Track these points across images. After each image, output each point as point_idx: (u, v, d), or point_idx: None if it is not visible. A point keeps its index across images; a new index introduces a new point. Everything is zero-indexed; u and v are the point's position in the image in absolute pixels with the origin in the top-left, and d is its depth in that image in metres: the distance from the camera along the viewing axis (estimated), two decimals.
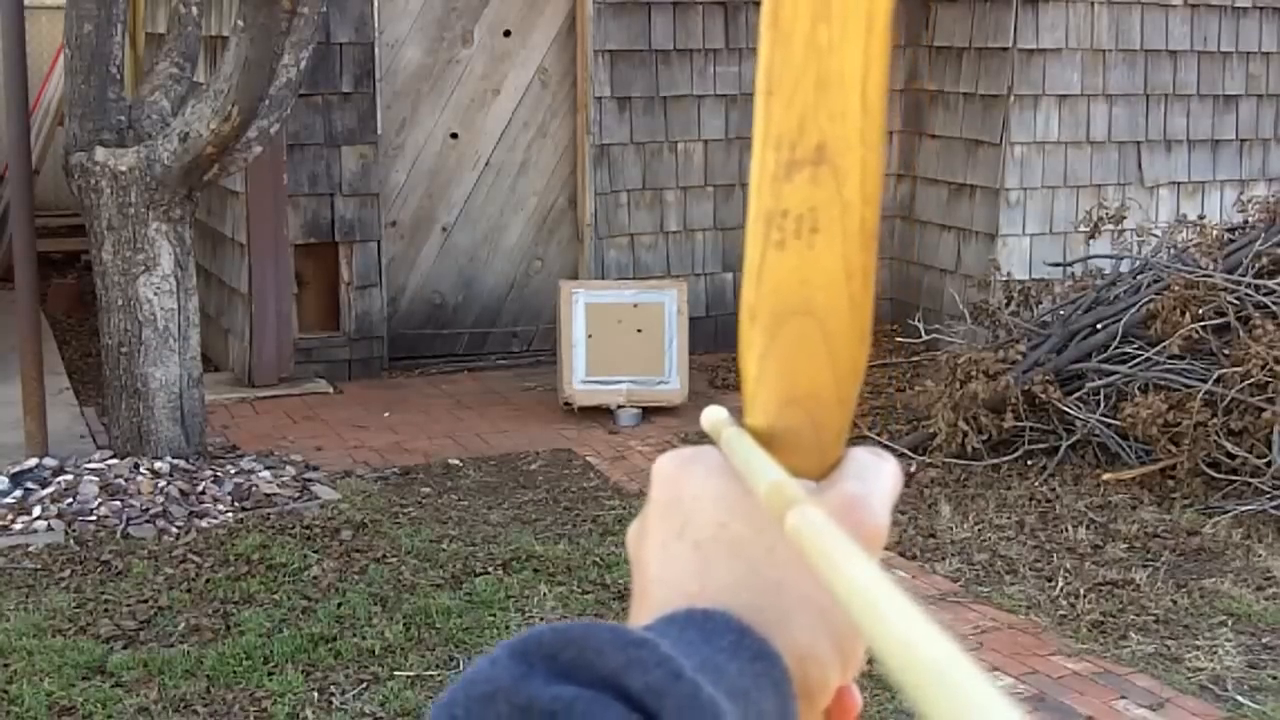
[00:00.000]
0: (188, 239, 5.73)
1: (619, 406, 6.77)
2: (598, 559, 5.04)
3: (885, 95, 0.62)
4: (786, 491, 0.60)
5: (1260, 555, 5.15)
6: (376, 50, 7.46)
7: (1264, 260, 6.02)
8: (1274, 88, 8.40)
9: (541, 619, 4.54)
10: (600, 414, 6.79)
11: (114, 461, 5.64)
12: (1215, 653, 4.40)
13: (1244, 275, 5.94)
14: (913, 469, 6.01)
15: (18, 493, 5.43)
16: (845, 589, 0.53)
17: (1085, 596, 4.81)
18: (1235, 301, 5.85)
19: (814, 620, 0.63)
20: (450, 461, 6.22)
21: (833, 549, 0.55)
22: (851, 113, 0.62)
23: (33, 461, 5.67)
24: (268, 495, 5.55)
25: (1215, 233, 6.29)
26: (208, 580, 4.81)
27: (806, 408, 0.65)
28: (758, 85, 0.63)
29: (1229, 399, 5.62)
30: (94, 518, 5.24)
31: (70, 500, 5.34)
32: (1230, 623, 4.61)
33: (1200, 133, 8.23)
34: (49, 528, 5.19)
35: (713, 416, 0.69)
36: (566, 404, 6.84)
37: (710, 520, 0.65)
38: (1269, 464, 5.49)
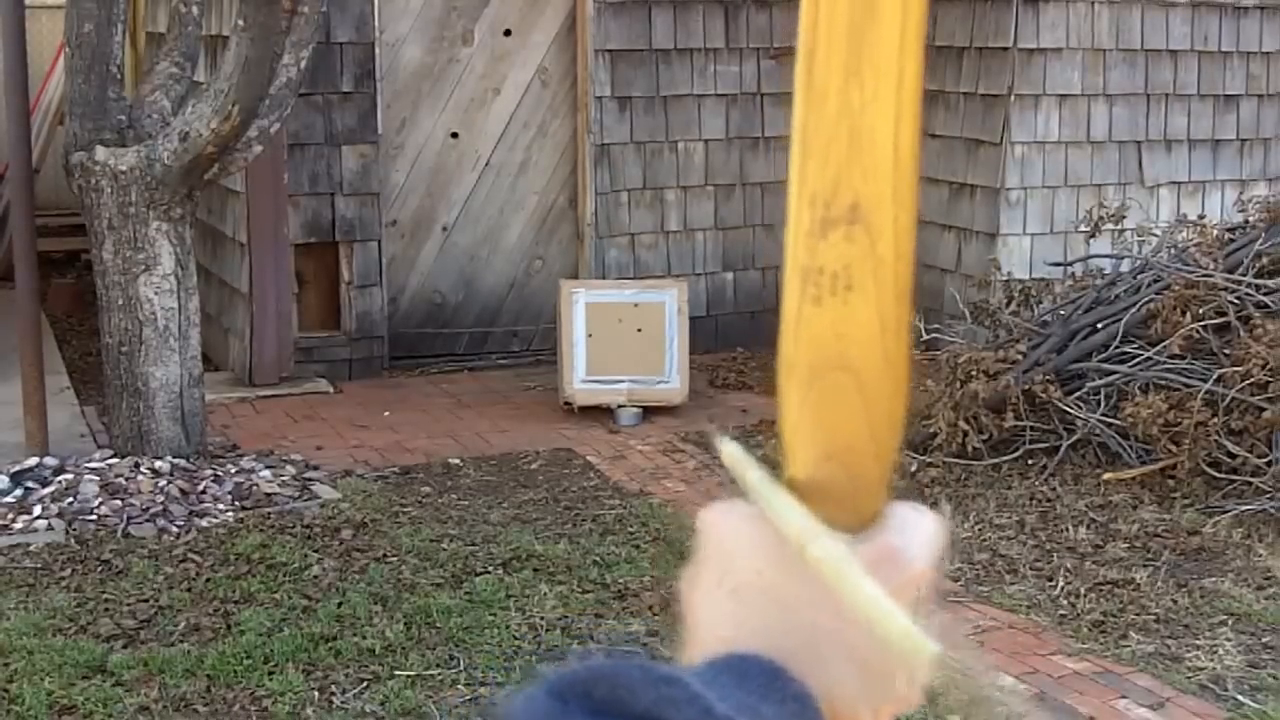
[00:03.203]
0: (188, 238, 5.73)
1: (619, 406, 6.77)
2: (598, 558, 5.04)
3: (917, 151, 0.63)
4: (810, 528, 0.63)
5: (1261, 555, 5.15)
6: (377, 50, 7.46)
7: (1264, 260, 6.02)
8: (1274, 87, 8.39)
9: (542, 619, 4.54)
10: (600, 413, 6.79)
11: (114, 461, 5.64)
12: (1216, 652, 4.40)
13: (1244, 275, 5.94)
14: (913, 468, 6.01)
15: (18, 492, 5.43)
16: (859, 605, 0.57)
17: (1086, 596, 4.81)
18: (1236, 301, 5.85)
19: (847, 662, 0.65)
20: (450, 461, 6.22)
21: (850, 574, 0.59)
22: (884, 170, 0.63)
23: (33, 460, 5.67)
24: (268, 494, 5.55)
25: (1215, 232, 6.29)
26: (208, 579, 4.81)
27: (843, 461, 0.66)
28: (793, 144, 0.64)
29: (1229, 398, 5.62)
30: (94, 517, 5.24)
31: (70, 499, 5.34)
32: (1231, 622, 4.61)
33: (1201, 132, 8.22)
34: (49, 527, 5.19)
35: (733, 454, 0.71)
36: (567, 403, 6.84)
37: (747, 567, 0.67)
38: (1270, 463, 5.48)
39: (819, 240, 0.64)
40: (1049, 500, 5.71)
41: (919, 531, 0.68)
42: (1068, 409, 5.99)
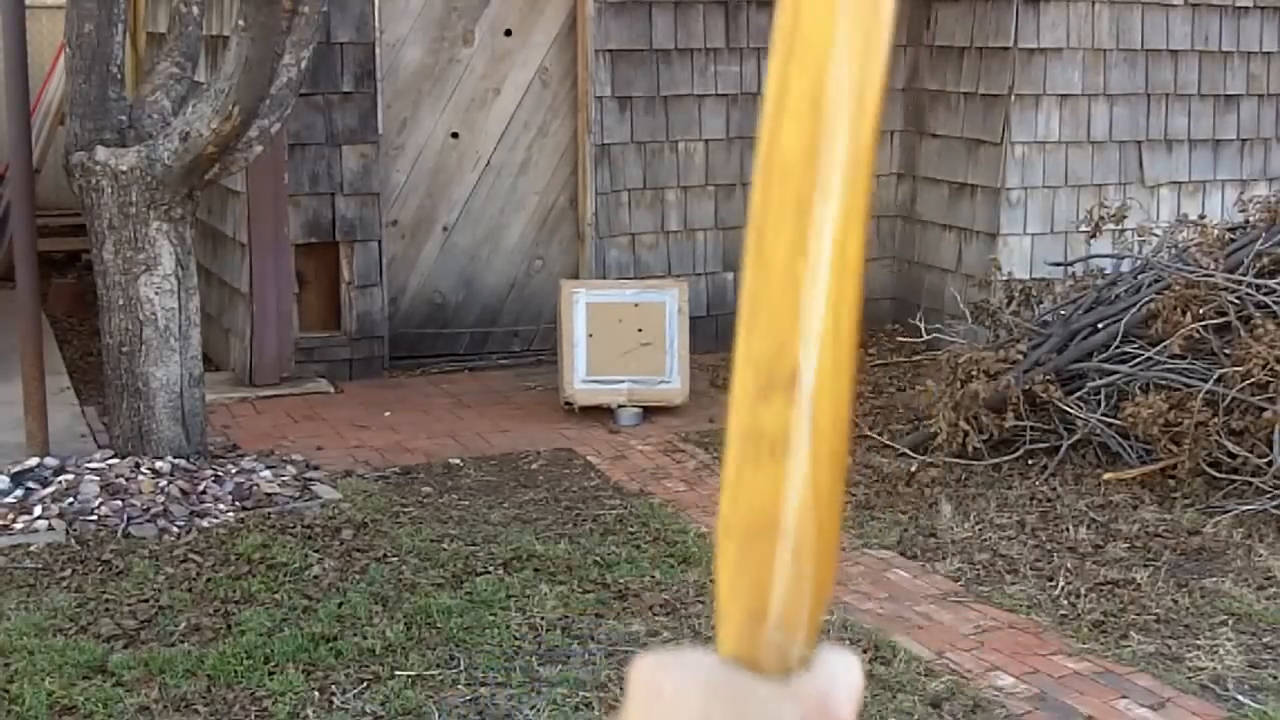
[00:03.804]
0: (188, 238, 5.73)
1: (620, 406, 6.77)
2: (598, 558, 5.04)
3: (856, 323, 0.66)
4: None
5: (1261, 555, 5.15)
6: (377, 50, 7.46)
7: (1265, 260, 6.02)
8: (1275, 87, 8.39)
9: (542, 619, 4.54)
10: (601, 413, 6.79)
11: (115, 461, 5.64)
12: (1216, 652, 4.40)
13: (1245, 275, 5.94)
14: (914, 468, 6.02)
15: (19, 492, 5.43)
16: None
17: (1086, 596, 4.81)
18: (1236, 301, 5.85)
19: None
20: (451, 461, 6.22)
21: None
22: (825, 341, 0.65)
23: (34, 461, 5.67)
24: (268, 495, 5.55)
25: (1216, 232, 6.29)
26: (208, 580, 4.81)
27: (775, 624, 0.68)
28: (740, 310, 0.67)
29: (1230, 399, 5.62)
30: (95, 517, 5.24)
31: (71, 500, 5.34)
32: (1231, 622, 4.61)
33: (1201, 132, 8.23)
34: (50, 527, 5.19)
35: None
36: (567, 403, 6.84)
37: (696, 708, 0.67)
38: (1270, 464, 5.48)
39: (760, 404, 0.66)
40: (1049, 500, 5.71)
41: (845, 682, 0.70)
42: (1068, 409, 5.99)
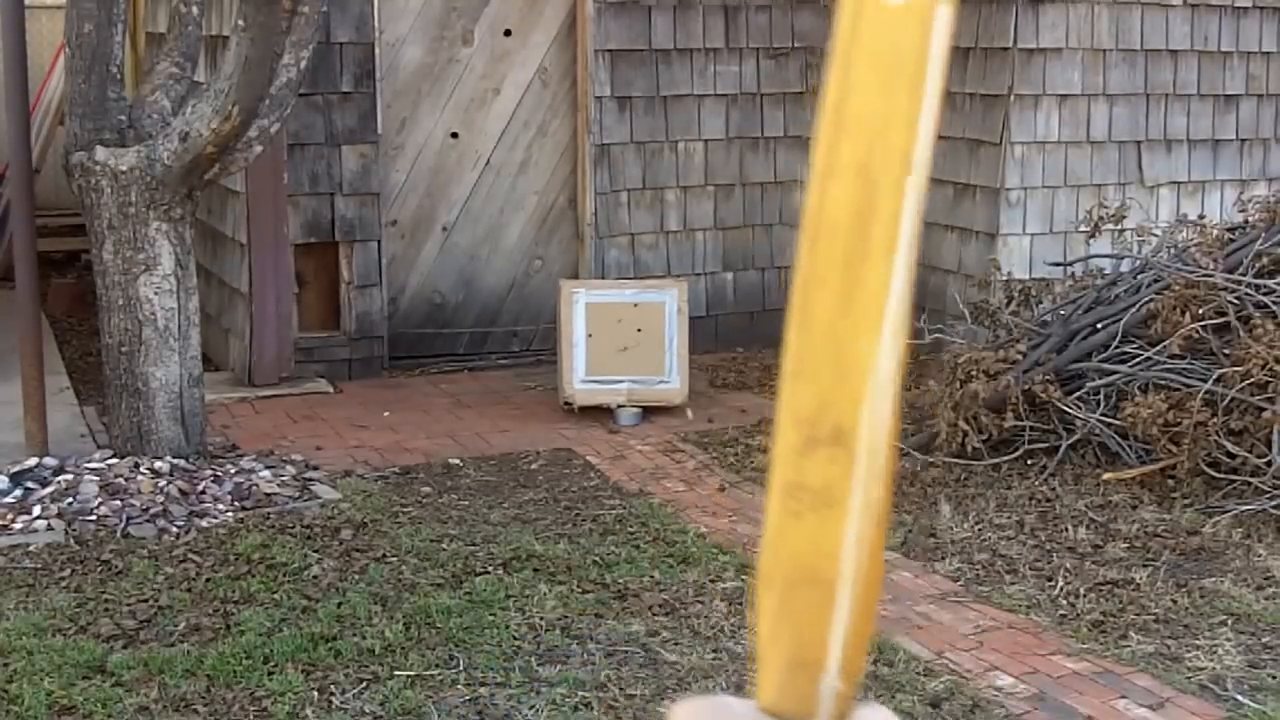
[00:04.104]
0: (188, 238, 5.73)
1: (619, 406, 6.77)
2: (598, 558, 5.04)
3: (898, 379, 0.68)
4: None
5: (1260, 555, 5.15)
6: (377, 50, 7.46)
7: (1264, 260, 6.02)
8: (1274, 87, 8.39)
9: (542, 619, 4.54)
10: (600, 413, 6.79)
11: (114, 461, 5.64)
12: (1215, 652, 4.40)
13: (1244, 275, 5.94)
14: (915, 469, 6.01)
15: (18, 492, 5.43)
16: None
17: (1085, 596, 4.81)
18: (1235, 301, 5.85)
19: None
20: (450, 461, 6.22)
21: None
22: (867, 398, 0.67)
23: (33, 461, 5.67)
24: (268, 495, 5.55)
25: (1215, 232, 6.29)
26: (208, 580, 4.81)
27: (812, 673, 0.69)
28: (784, 367, 0.68)
29: (1229, 399, 5.62)
30: (94, 517, 5.24)
31: (70, 500, 5.34)
32: (1230, 622, 4.61)
33: (1200, 132, 8.22)
34: (49, 527, 5.19)
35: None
36: (567, 403, 6.84)
37: None
38: (1269, 464, 5.48)
39: (803, 459, 0.68)
40: (1049, 500, 5.71)
41: None
42: (1068, 409, 5.99)
